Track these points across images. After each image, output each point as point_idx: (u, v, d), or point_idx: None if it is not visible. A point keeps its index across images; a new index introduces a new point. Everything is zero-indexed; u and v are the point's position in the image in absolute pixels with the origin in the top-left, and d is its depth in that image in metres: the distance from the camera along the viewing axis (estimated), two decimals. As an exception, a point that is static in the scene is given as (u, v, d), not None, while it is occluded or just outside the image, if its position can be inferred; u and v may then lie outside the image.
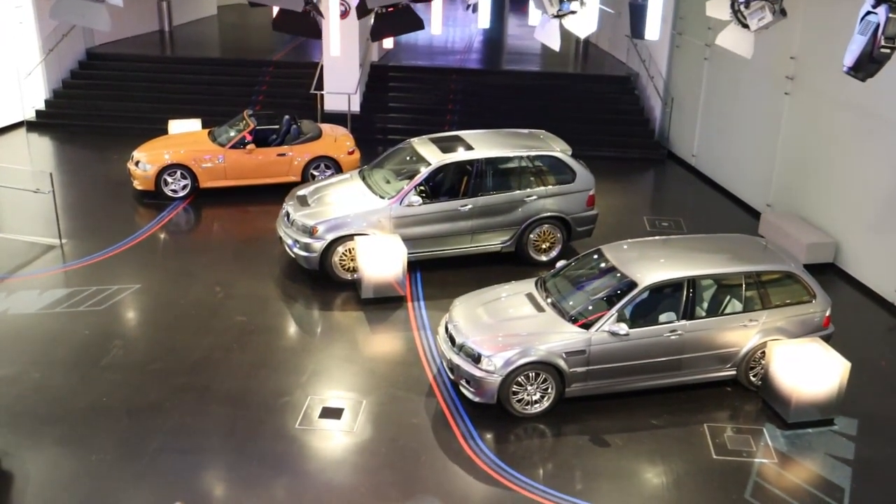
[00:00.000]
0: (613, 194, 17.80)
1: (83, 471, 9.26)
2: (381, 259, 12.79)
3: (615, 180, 18.91)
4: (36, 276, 13.51)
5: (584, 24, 11.71)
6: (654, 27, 13.38)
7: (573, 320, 10.27)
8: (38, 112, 21.91)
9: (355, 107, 21.45)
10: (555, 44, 12.21)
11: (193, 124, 18.89)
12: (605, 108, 22.24)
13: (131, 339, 11.87)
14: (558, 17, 11.74)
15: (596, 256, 11.30)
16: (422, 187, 13.65)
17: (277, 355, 11.58)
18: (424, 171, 13.66)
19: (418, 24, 14.55)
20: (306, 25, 12.97)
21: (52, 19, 12.26)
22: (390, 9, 14.02)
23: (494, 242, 14.11)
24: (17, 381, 10.50)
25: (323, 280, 13.46)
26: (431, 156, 13.94)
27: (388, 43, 24.62)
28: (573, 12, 11.57)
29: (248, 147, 16.84)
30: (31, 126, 21.70)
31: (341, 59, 21.13)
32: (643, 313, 10.31)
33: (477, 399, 10.15)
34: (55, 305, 12.57)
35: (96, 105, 21.97)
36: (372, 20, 15.36)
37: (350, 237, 13.28)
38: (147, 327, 12.19)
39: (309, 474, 9.31)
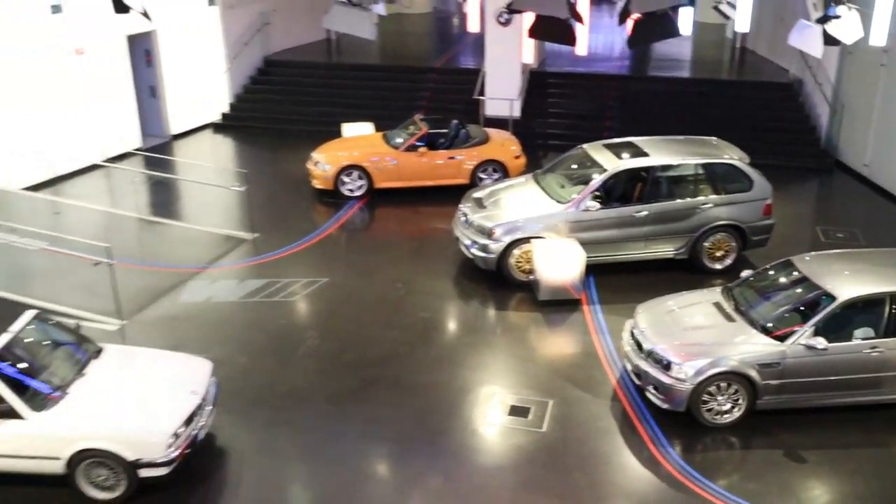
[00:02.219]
0: (780, 204, 17.00)
1: (293, 451, 9.65)
2: (558, 262, 12.75)
3: (780, 190, 18.03)
4: (233, 266, 14.16)
5: (850, 29, 11.10)
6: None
7: (765, 331, 9.93)
8: (223, 115, 23.00)
9: (517, 112, 21.45)
10: (816, 51, 11.65)
11: (365, 128, 19.36)
12: (766, 116, 21.43)
13: (324, 329, 12.26)
14: (822, 22, 11.18)
15: (786, 267, 10.89)
16: (597, 192, 13.52)
17: (460, 352, 11.72)
18: (601, 177, 13.52)
19: (675, 32, 13.68)
20: (563, 31, 12.69)
21: (326, 27, 12.88)
22: (642, 17, 13.20)
23: (668, 249, 13.83)
24: (226, 364, 11.00)
25: (499, 280, 13.52)
26: (607, 161, 13.78)
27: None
28: (838, 17, 11.00)
29: (420, 150, 17.12)
30: (217, 128, 22.79)
31: (504, 65, 21.26)
32: (838, 328, 9.86)
33: (665, 406, 9.97)
34: (253, 295, 13.13)
35: (274, 108, 22.88)
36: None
37: (526, 240, 13.29)
38: (337, 319, 12.55)
39: (504, 470, 9.36)
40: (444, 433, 9.95)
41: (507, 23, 20.91)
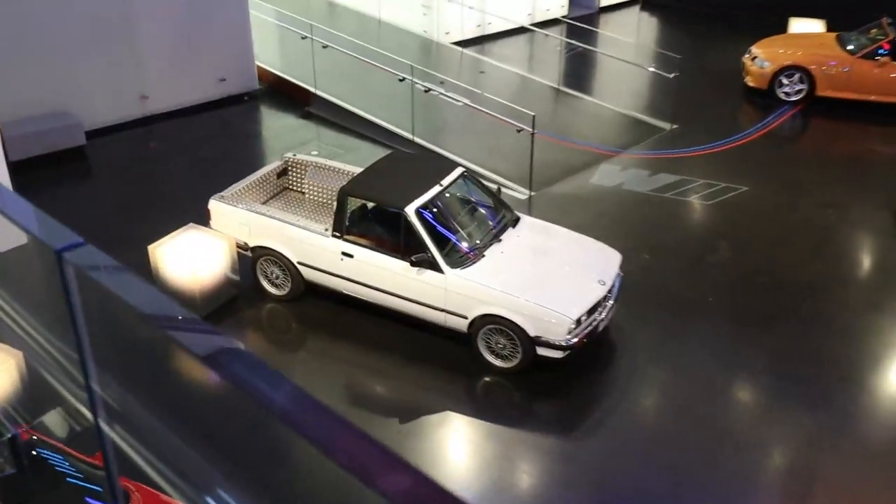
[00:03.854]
0: None
1: (686, 368, 9.10)
2: None
3: None
4: (647, 156, 13.58)
5: None
6: None
7: None
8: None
9: None
10: None
11: (815, 25, 17.28)
12: None
13: (737, 243, 11.32)
14: None
15: None
16: None
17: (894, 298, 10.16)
18: None
19: None
20: None
21: None
22: None
23: None
24: (627, 258, 10.54)
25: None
26: None
27: None
28: None
29: (882, 59, 14.85)
30: (645, 5, 21.86)
31: None
32: None
33: None
34: (665, 190, 12.49)
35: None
36: None
37: None
38: (753, 235, 11.52)
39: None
40: (861, 386, 8.73)
41: None
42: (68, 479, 5.59)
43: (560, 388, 8.73)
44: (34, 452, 5.73)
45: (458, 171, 9.57)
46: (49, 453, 5.82)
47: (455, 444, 8.17)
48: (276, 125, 14.65)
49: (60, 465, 5.70)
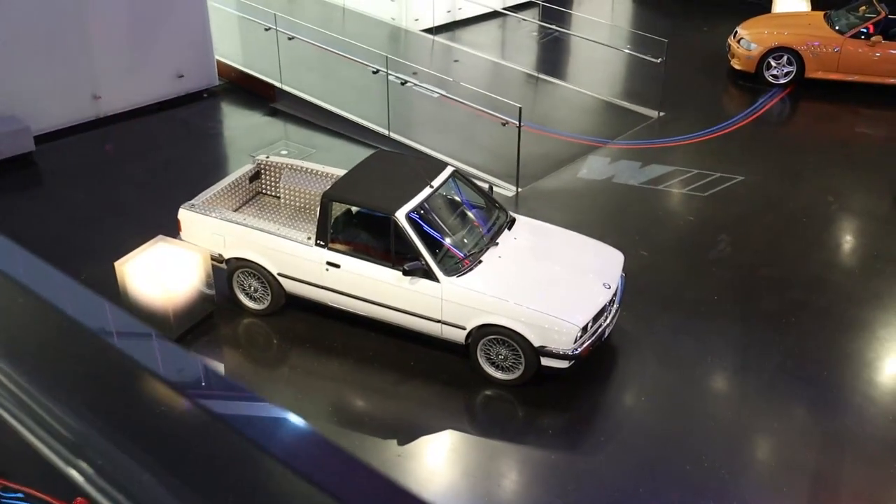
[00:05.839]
0: None
1: (697, 370, 8.89)
2: None
3: None
4: (635, 146, 13.34)
5: None
6: None
7: None
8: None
9: None
10: None
11: (800, 4, 17.19)
12: None
13: (737, 235, 11.14)
14: None
15: None
16: None
17: (906, 293, 10.07)
18: None
19: None
20: None
21: None
22: None
23: None
24: (626, 256, 10.35)
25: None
26: None
27: None
28: None
29: (873, 39, 14.78)
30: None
31: None
32: None
33: None
34: (657, 182, 12.28)
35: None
36: None
37: None
38: (753, 226, 11.35)
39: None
40: (878, 386, 8.59)
41: None
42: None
43: (566, 399, 8.47)
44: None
45: (449, 170, 9.23)
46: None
47: (459, 466, 7.85)
48: (240, 124, 14.17)
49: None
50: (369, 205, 8.74)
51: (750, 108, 14.76)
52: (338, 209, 8.79)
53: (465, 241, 8.78)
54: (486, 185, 9.96)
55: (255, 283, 9.27)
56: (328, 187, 9.12)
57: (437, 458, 7.90)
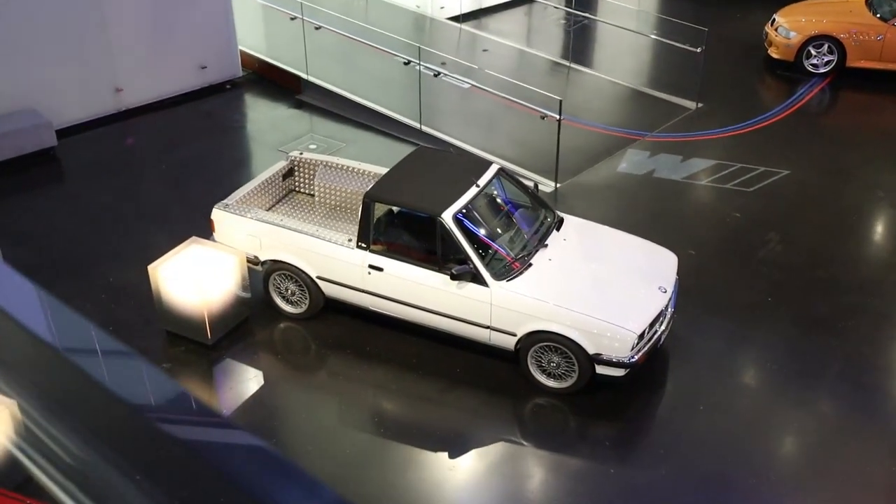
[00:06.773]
0: None
1: (756, 378, 8.60)
2: None
3: None
4: (675, 139, 13.00)
5: None
6: None
7: None
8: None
9: None
10: None
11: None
12: None
13: (787, 234, 10.82)
14: None
15: None
16: None
17: (968, 294, 9.74)
18: None
19: None
20: None
21: None
22: None
23: None
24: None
25: None
26: None
27: None
28: None
29: (918, 26, 14.40)
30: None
31: None
32: None
33: None
34: (700, 177, 11.95)
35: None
36: None
37: None
38: (802, 224, 11.03)
39: None
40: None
41: None
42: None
43: (619, 408, 8.19)
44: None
45: (494, 168, 8.93)
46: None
47: (515, 481, 7.57)
48: (265, 116, 13.86)
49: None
50: (414, 205, 8.45)
51: (790, 99, 14.40)
52: (380, 210, 8.50)
53: (514, 243, 8.49)
54: (531, 184, 9.65)
55: (292, 287, 8.99)
56: (367, 186, 8.85)
57: (490, 471, 7.62)
